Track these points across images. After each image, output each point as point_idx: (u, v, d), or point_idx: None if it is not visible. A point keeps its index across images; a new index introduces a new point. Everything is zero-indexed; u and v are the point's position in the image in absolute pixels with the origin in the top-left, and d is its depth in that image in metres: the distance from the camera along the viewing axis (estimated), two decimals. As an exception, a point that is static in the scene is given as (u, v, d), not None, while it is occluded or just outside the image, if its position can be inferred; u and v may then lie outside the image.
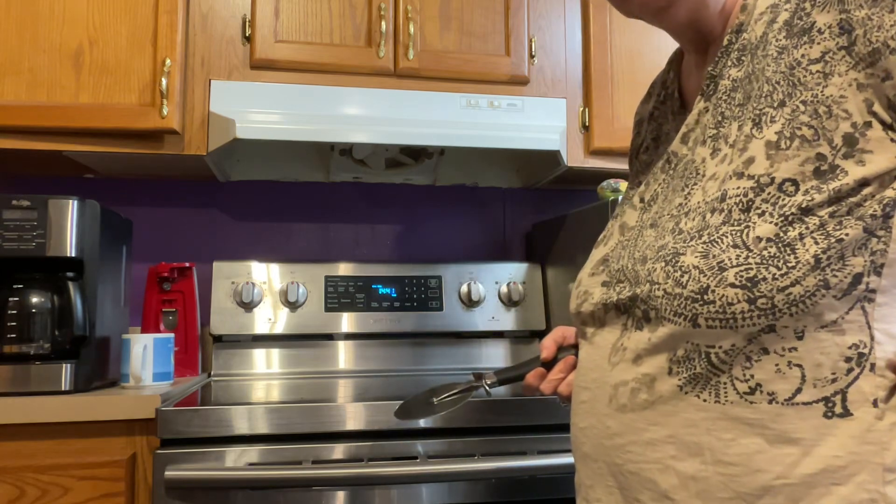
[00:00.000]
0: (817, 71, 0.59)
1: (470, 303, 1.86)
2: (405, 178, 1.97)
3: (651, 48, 1.78)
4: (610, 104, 1.75)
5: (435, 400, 0.96)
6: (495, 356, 1.90)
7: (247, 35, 1.60)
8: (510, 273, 1.92)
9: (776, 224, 0.58)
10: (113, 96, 1.51)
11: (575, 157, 1.74)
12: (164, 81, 1.49)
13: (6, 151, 1.54)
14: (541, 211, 2.09)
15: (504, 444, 1.22)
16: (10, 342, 1.30)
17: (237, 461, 1.15)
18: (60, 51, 1.50)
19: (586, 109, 1.75)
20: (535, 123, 1.68)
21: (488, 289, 1.89)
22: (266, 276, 1.80)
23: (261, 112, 1.56)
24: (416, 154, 1.82)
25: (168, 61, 1.51)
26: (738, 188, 0.60)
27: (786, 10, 0.64)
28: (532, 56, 1.73)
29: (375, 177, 1.94)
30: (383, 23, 1.64)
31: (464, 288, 1.87)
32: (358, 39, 1.65)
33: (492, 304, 1.88)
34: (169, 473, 1.11)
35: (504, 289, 1.89)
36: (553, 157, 1.71)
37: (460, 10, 1.71)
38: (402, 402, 1.00)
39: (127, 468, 1.23)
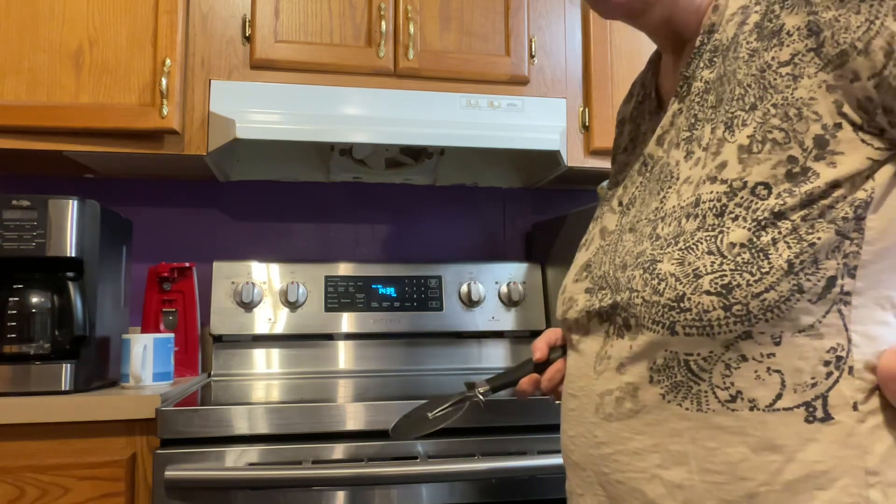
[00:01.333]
0: (787, 73, 0.59)
1: (470, 303, 1.86)
2: (405, 178, 1.97)
3: (651, 48, 1.77)
4: (610, 104, 1.75)
5: (429, 415, 0.96)
6: (495, 356, 1.89)
7: (247, 35, 1.60)
8: (510, 273, 1.92)
9: (749, 229, 0.58)
10: (113, 96, 1.51)
11: (575, 157, 1.74)
12: (164, 81, 1.49)
13: (6, 151, 1.54)
14: (541, 211, 2.09)
15: (504, 444, 1.22)
16: (10, 342, 1.30)
17: (237, 461, 1.15)
18: (60, 51, 1.50)
19: (586, 109, 1.75)
20: (535, 123, 1.68)
21: (488, 289, 1.89)
22: (266, 276, 1.80)
23: (261, 112, 1.56)
24: (416, 154, 1.82)
25: (168, 61, 1.51)
26: (712, 192, 0.61)
27: (756, 11, 0.64)
28: (532, 56, 1.73)
29: (375, 177, 1.94)
30: (383, 23, 1.64)
31: (464, 288, 1.87)
32: (358, 39, 1.65)
33: (492, 304, 1.88)
34: (169, 473, 1.11)
35: (504, 289, 1.89)
36: (553, 157, 1.71)
37: (460, 10, 1.71)
38: (396, 421, 1.00)
39: (127, 468, 1.23)
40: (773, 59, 0.61)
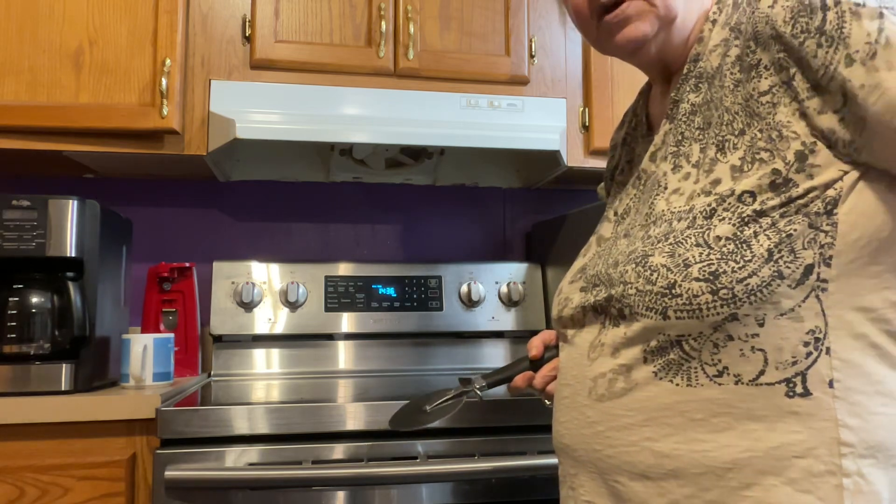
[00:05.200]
0: (767, 101, 0.67)
1: (470, 303, 1.86)
2: (405, 178, 1.97)
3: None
4: (610, 104, 1.75)
5: (427, 408, 0.97)
6: (495, 356, 1.89)
7: (247, 35, 1.60)
8: (510, 273, 1.92)
9: (734, 225, 0.65)
10: (113, 96, 1.51)
11: (575, 157, 1.74)
12: (164, 81, 1.49)
13: (6, 151, 1.54)
14: (541, 211, 2.09)
15: (504, 444, 1.22)
16: (10, 342, 1.30)
17: (237, 461, 1.15)
18: (60, 51, 1.50)
19: (586, 109, 1.75)
20: (535, 123, 1.68)
21: (488, 289, 1.89)
22: (266, 276, 1.80)
23: (261, 112, 1.56)
24: (416, 154, 1.82)
25: (168, 61, 1.51)
26: (705, 203, 0.68)
27: (735, 45, 0.71)
28: (532, 56, 1.73)
29: (375, 177, 1.94)
30: (383, 23, 1.64)
31: (464, 288, 1.87)
32: (358, 39, 1.65)
33: (492, 304, 1.88)
34: (169, 473, 1.11)
35: (504, 289, 1.89)
36: (553, 157, 1.71)
37: (460, 10, 1.71)
38: (395, 412, 1.00)
39: (127, 468, 1.23)
40: (754, 89, 0.68)
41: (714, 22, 0.76)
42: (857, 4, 0.63)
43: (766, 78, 0.67)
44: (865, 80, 0.61)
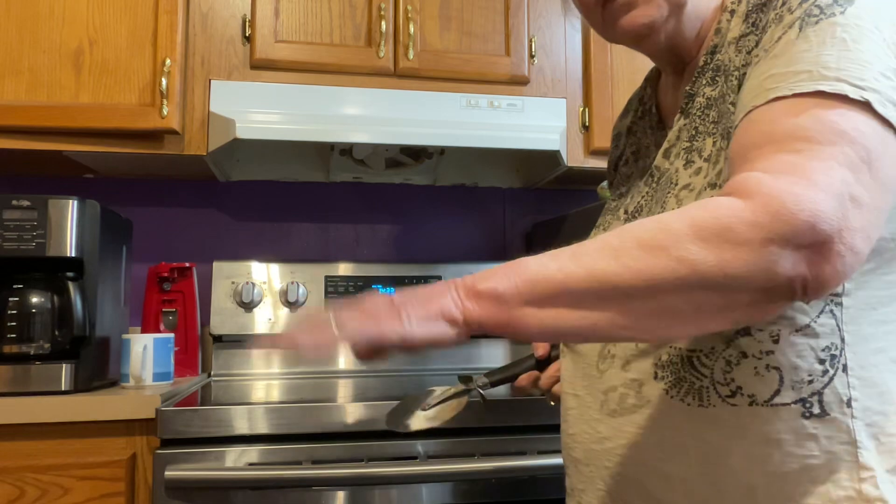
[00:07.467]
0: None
1: (470, 303, 1.86)
2: (405, 178, 1.96)
3: (651, 48, 1.77)
4: (610, 104, 1.74)
5: (426, 405, 0.93)
6: (495, 356, 1.89)
7: (247, 35, 1.60)
8: (510, 273, 1.91)
9: None
10: (113, 96, 1.51)
11: (575, 157, 1.74)
12: (164, 81, 1.49)
13: (6, 151, 1.53)
14: (541, 211, 2.09)
15: (504, 444, 1.22)
16: (10, 342, 1.30)
17: (237, 461, 1.15)
18: (60, 51, 1.50)
19: (586, 109, 1.75)
20: (535, 123, 1.68)
21: (488, 289, 1.88)
22: (266, 276, 1.80)
23: (261, 112, 1.55)
24: (416, 154, 1.82)
25: (168, 61, 1.51)
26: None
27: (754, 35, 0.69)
28: (532, 56, 1.73)
29: (375, 177, 1.94)
30: (383, 23, 1.64)
31: (464, 288, 1.87)
32: (358, 39, 1.65)
33: (492, 304, 1.88)
34: (169, 473, 1.11)
35: (504, 289, 1.89)
36: (553, 157, 1.71)
37: (460, 10, 1.70)
38: (390, 410, 0.97)
39: (127, 468, 1.23)
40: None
41: (732, 12, 0.71)
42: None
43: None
44: None
